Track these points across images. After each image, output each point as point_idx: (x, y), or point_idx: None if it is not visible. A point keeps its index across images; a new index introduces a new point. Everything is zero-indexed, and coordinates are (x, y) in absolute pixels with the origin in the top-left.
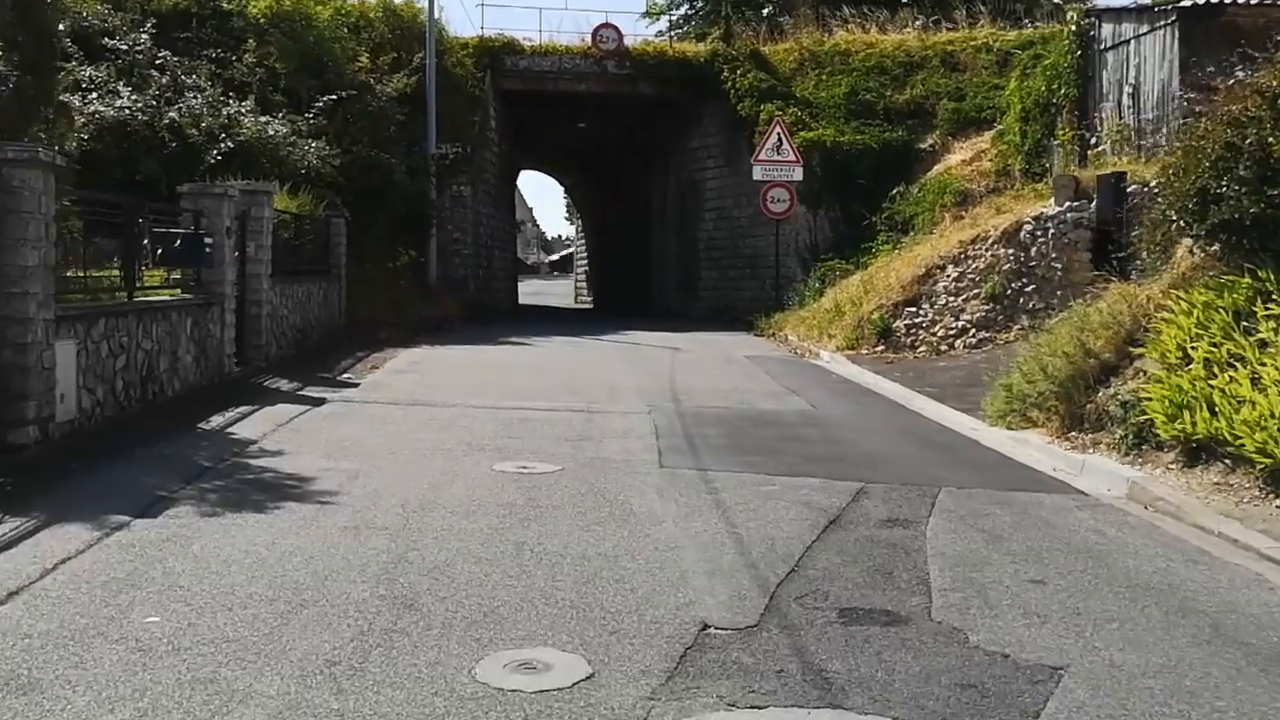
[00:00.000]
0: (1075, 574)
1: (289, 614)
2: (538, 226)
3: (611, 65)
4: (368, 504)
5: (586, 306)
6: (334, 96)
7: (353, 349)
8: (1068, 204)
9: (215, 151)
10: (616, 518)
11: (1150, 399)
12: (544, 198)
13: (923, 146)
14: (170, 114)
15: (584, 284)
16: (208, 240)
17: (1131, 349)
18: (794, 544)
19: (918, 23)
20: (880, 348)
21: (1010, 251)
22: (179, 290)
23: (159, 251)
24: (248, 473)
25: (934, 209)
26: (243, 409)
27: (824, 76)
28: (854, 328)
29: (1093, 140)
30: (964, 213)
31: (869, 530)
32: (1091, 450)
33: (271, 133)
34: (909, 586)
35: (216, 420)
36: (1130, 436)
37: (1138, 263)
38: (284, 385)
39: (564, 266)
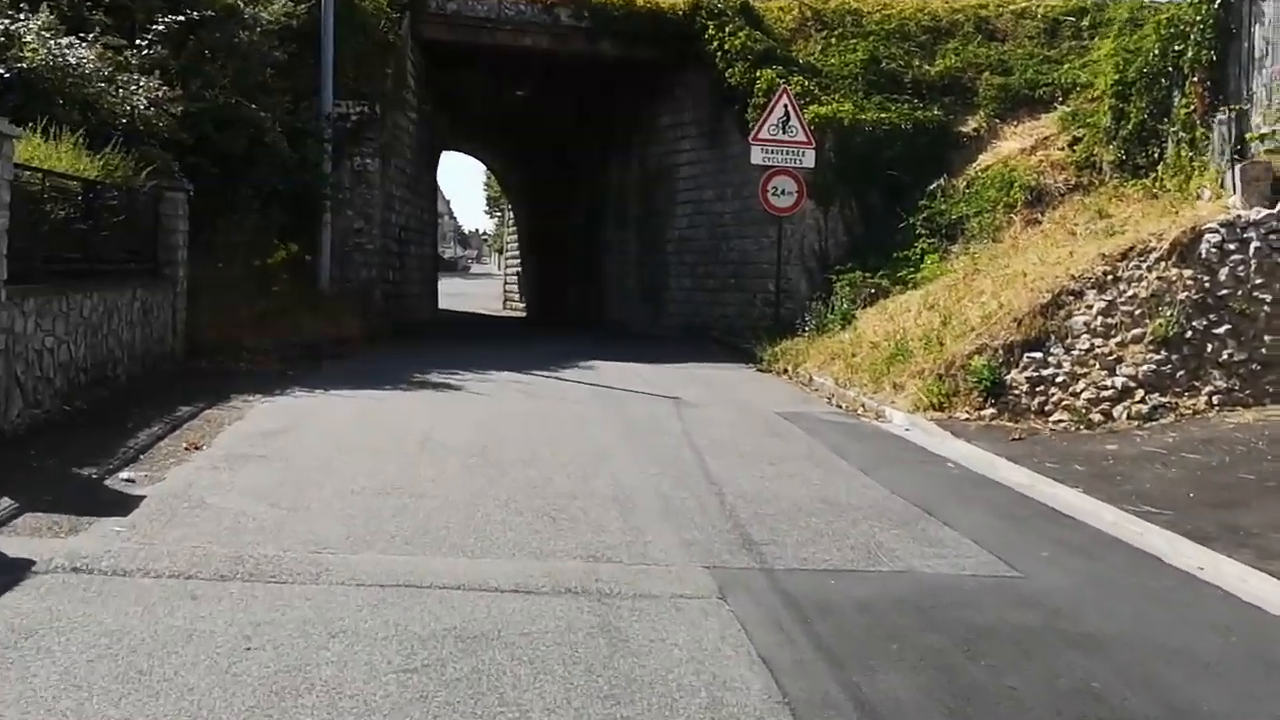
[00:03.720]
0: None
1: None
2: (454, 219)
3: (566, 15)
4: None
5: (519, 314)
6: (181, 18)
7: (174, 401)
8: None
9: None
10: None
11: None
12: (460, 185)
13: (964, 130)
14: None
15: (515, 287)
16: None
17: None
18: None
19: None
20: (989, 411)
21: (1188, 273)
22: None
23: None
24: None
25: (995, 209)
26: None
27: (833, 40)
28: (937, 377)
29: (1257, 120)
30: (1039, 215)
31: None
32: None
33: (74, 60)
34: None
35: None
36: None
37: None
38: None
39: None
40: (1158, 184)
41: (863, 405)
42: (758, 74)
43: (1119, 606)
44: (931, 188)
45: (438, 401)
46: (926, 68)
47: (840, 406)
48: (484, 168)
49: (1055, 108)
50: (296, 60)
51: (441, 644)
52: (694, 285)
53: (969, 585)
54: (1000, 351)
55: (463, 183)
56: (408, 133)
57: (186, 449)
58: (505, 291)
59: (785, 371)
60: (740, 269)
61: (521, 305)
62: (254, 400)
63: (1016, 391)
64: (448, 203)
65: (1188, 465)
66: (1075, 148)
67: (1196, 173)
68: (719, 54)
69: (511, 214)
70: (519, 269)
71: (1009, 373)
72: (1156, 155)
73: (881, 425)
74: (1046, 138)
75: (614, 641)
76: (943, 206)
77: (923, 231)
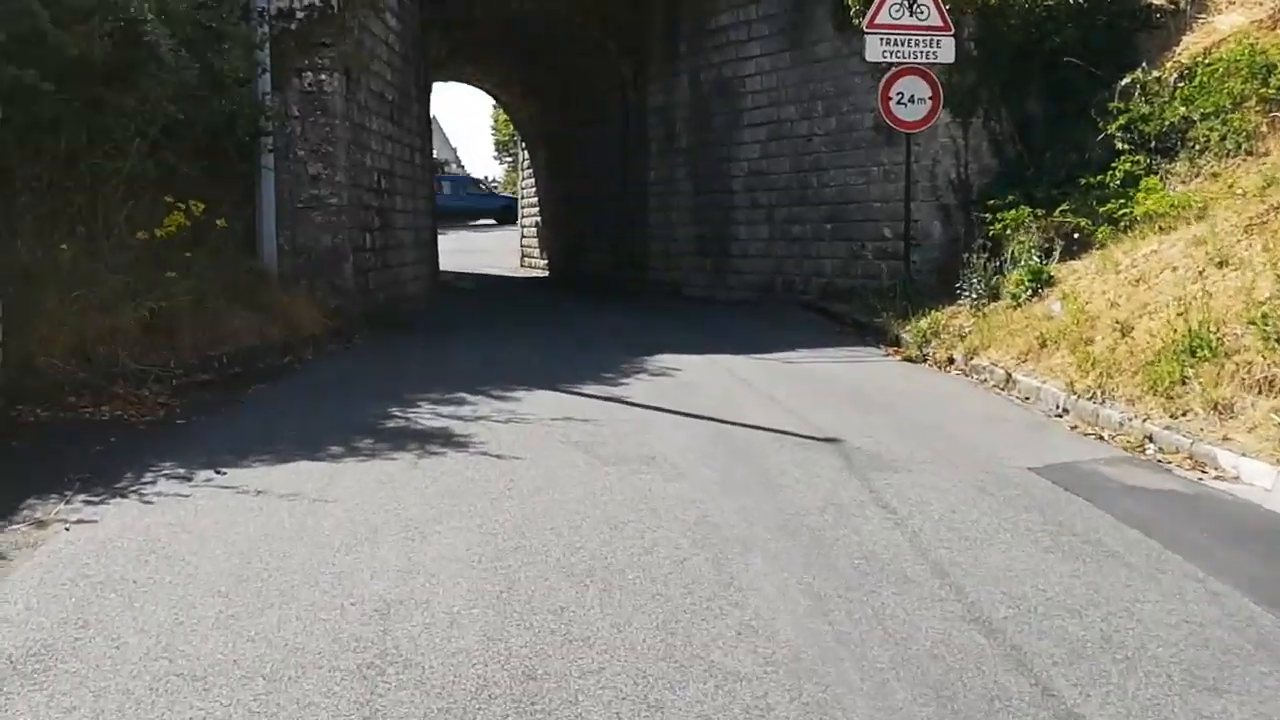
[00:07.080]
0: None
1: None
2: (462, 168)
3: None
4: None
5: (540, 273)
6: None
7: None
8: None
9: None
10: None
11: None
12: (463, 126)
13: (1156, 2)
14: None
15: (534, 241)
16: None
17: None
18: None
19: None
20: None
21: None
22: None
23: None
24: None
25: (1242, 109)
26: None
27: None
28: None
29: None
30: None
31: None
32: None
33: None
34: None
35: None
36: None
37: None
38: None
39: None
40: None
41: (1149, 439)
42: None
43: None
44: (1125, 83)
45: (421, 492)
46: None
47: (1101, 437)
48: (490, 104)
49: None
50: None
51: None
52: (772, 234)
53: None
54: None
55: (467, 124)
56: (385, 44)
57: None
58: (523, 246)
59: (950, 362)
60: (839, 210)
61: (543, 263)
62: (58, 518)
63: None
64: (454, 150)
65: None
66: None
67: None
68: None
69: (527, 155)
70: (537, 219)
71: None
72: None
73: (1233, 490)
74: None
75: None
76: (1145, 109)
77: (1123, 147)
